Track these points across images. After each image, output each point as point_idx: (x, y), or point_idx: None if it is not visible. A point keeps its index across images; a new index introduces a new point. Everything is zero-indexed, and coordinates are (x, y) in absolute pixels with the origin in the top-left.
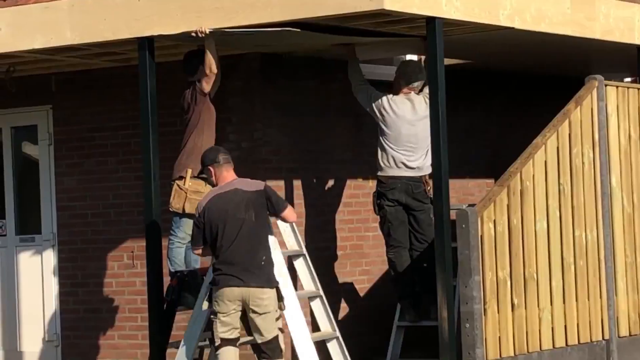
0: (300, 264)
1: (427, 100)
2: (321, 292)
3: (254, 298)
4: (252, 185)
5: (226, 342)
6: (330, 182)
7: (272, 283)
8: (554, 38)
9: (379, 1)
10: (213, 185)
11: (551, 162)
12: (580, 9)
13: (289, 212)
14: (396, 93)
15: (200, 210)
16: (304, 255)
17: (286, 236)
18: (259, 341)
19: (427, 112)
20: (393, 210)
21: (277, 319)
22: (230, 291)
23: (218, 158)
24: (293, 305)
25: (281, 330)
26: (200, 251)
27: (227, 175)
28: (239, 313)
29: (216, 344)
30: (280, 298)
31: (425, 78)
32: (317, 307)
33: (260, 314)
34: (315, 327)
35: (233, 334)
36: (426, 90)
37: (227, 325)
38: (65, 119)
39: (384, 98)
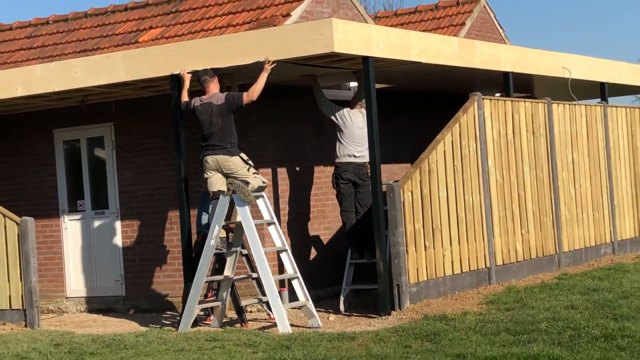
0: (272, 229)
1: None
2: (286, 247)
3: (224, 164)
4: (220, 99)
5: (215, 193)
6: (304, 169)
7: (234, 154)
8: (449, 68)
9: (330, 46)
10: None
11: (448, 151)
12: (465, 48)
13: (246, 98)
14: (352, 107)
15: (192, 104)
16: (274, 223)
17: (262, 211)
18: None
19: None
20: (345, 186)
21: (248, 169)
22: (211, 159)
23: (208, 74)
24: (260, 256)
25: (246, 183)
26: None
27: (212, 88)
28: (219, 175)
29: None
30: (247, 163)
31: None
32: (285, 258)
33: (231, 173)
34: (283, 271)
35: (216, 188)
36: None
37: (212, 183)
38: (122, 131)
39: (345, 110)
